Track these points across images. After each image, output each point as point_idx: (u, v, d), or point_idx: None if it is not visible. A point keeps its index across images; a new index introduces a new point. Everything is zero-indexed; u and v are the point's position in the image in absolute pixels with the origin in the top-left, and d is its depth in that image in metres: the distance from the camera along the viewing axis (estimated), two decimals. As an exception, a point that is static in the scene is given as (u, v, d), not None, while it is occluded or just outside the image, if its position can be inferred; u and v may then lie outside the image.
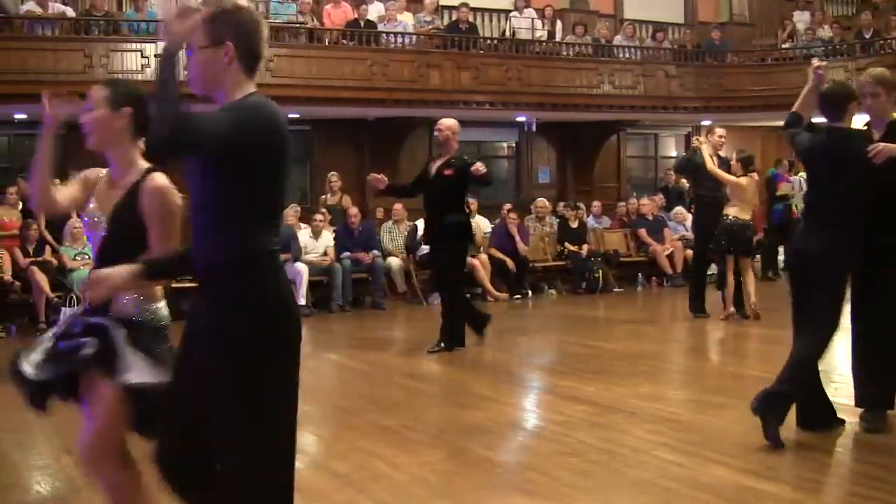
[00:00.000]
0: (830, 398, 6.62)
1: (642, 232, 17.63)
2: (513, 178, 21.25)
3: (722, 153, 12.80)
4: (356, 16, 17.36)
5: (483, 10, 20.06)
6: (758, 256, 16.78)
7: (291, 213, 15.47)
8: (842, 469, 5.85)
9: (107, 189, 4.07)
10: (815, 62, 6.92)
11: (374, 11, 17.81)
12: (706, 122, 21.09)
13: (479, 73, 17.64)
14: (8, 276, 12.57)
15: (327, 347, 11.16)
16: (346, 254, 14.75)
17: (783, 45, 21.14)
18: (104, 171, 4.14)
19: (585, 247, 16.86)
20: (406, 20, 17.81)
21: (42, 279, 12.40)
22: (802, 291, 6.44)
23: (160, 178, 3.94)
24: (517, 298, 15.69)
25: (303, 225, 15.34)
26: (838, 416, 6.51)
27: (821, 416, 6.43)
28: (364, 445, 6.40)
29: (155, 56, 13.81)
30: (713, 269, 13.54)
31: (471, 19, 18.75)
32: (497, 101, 18.00)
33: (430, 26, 18.19)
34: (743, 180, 12.01)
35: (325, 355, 10.63)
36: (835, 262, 6.29)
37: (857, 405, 6.65)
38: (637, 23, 21.25)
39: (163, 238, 3.87)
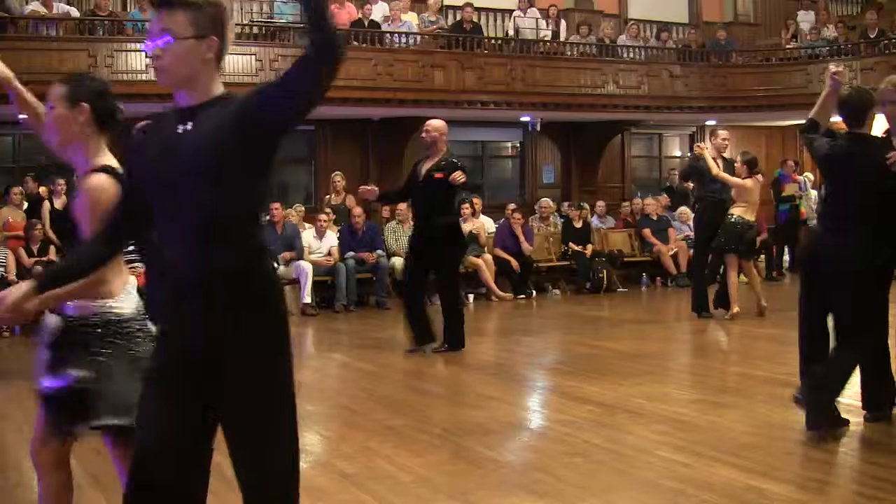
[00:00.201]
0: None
1: (647, 232, 17.62)
2: (517, 178, 21.26)
3: (726, 154, 12.77)
4: (360, 16, 17.37)
5: (487, 9, 20.07)
6: (761, 256, 16.75)
7: (294, 212, 15.52)
8: (847, 470, 5.84)
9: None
10: (832, 67, 6.88)
11: (378, 12, 17.82)
12: (711, 122, 21.11)
13: (483, 73, 17.65)
14: (12, 276, 12.58)
15: (332, 347, 11.18)
16: (351, 254, 14.75)
17: (788, 45, 21.12)
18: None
19: (590, 247, 16.86)
20: (410, 20, 17.81)
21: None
22: (817, 291, 6.44)
23: (96, 179, 3.81)
24: (521, 298, 15.70)
25: (307, 225, 15.38)
26: (843, 416, 6.49)
27: (828, 417, 6.42)
28: (369, 445, 6.40)
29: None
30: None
31: (475, 19, 18.77)
32: (501, 101, 18.02)
33: (435, 26, 18.19)
34: (748, 182, 12.02)
35: (330, 355, 10.65)
36: (857, 263, 6.28)
37: (864, 408, 6.64)
38: (641, 23, 21.24)
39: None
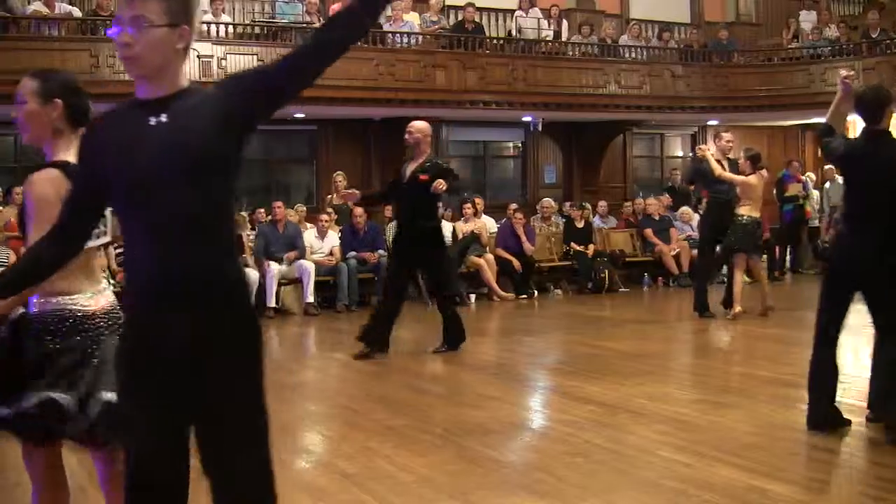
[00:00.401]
0: (837, 398, 6.59)
1: (648, 232, 17.61)
2: (519, 177, 21.27)
3: (731, 155, 12.74)
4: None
5: (489, 9, 20.06)
6: (764, 256, 16.76)
7: (295, 212, 15.52)
8: (850, 470, 5.83)
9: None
10: (843, 72, 6.87)
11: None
12: (712, 122, 21.15)
13: (484, 73, 17.65)
14: (14, 276, 12.54)
15: (333, 347, 11.16)
16: (352, 253, 14.75)
17: (789, 45, 21.11)
18: None
19: (591, 247, 16.85)
20: (412, 20, 17.81)
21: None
22: (838, 291, 6.44)
23: (41, 175, 3.71)
24: (523, 298, 15.69)
25: (308, 225, 15.38)
26: (844, 416, 6.48)
27: (830, 416, 6.41)
28: (370, 445, 6.39)
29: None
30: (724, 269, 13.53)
31: (476, 19, 18.77)
32: (503, 101, 18.02)
33: (436, 26, 18.19)
34: (752, 178, 12.03)
35: (331, 355, 10.64)
36: (870, 262, 6.29)
37: (868, 407, 6.63)
38: (643, 22, 21.26)
39: (34, 233, 3.57)
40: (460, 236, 15.87)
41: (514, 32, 19.33)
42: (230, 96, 2.99)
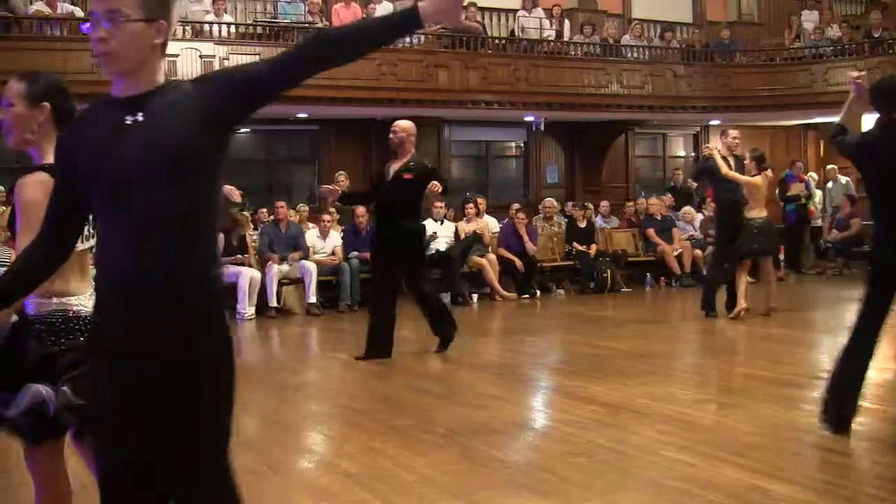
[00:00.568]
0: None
1: (650, 231, 17.61)
2: (521, 177, 21.26)
3: (737, 152, 12.75)
4: (364, 15, 17.36)
5: (491, 9, 20.04)
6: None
7: (296, 212, 15.53)
8: (854, 470, 5.82)
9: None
10: (854, 74, 6.85)
11: (382, 11, 17.80)
12: (715, 122, 21.15)
13: (487, 72, 17.65)
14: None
15: (335, 347, 11.16)
16: (355, 253, 14.75)
17: (791, 45, 21.09)
18: None
19: (594, 247, 16.87)
20: (415, 20, 17.77)
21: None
22: (881, 280, 6.42)
23: (30, 178, 3.69)
24: (525, 298, 15.70)
25: (311, 224, 15.39)
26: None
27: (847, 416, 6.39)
28: (373, 445, 6.38)
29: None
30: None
31: (479, 19, 18.75)
32: (505, 101, 18.02)
33: (438, 26, 18.15)
34: (758, 179, 12.05)
35: (334, 355, 10.63)
36: (888, 254, 6.30)
37: None
38: (645, 22, 21.27)
39: (23, 237, 3.56)
40: (462, 236, 15.87)
41: (517, 32, 19.31)
42: (208, 94, 2.91)
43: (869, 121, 6.69)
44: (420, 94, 17.09)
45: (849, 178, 20.33)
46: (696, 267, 17.33)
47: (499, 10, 20.32)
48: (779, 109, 20.11)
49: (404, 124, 10.11)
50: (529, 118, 19.56)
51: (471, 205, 16.43)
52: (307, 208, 16.12)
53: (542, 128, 19.84)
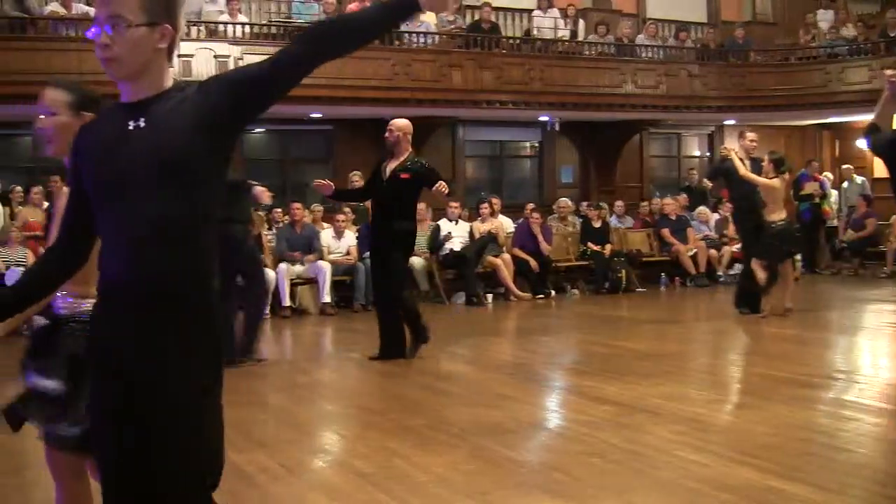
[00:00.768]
0: (855, 398, 6.57)
1: (665, 231, 17.59)
2: (535, 177, 21.23)
3: (755, 154, 12.75)
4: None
5: (505, 9, 20.03)
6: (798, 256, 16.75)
7: (310, 212, 15.54)
8: (868, 471, 5.80)
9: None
10: (889, 72, 6.83)
11: (397, 10, 17.80)
12: (729, 122, 21.13)
13: (501, 72, 17.63)
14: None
15: (350, 347, 11.17)
16: (369, 253, 14.74)
17: (806, 44, 21.04)
18: None
19: (608, 246, 16.85)
20: (428, 20, 17.79)
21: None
22: None
23: (66, 186, 3.61)
24: (540, 298, 15.69)
25: (325, 224, 15.39)
26: (861, 416, 6.46)
27: None
28: (387, 445, 6.39)
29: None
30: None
31: (493, 19, 18.75)
32: (519, 101, 17.99)
33: (453, 26, 18.18)
34: (775, 182, 12.04)
35: (348, 355, 10.65)
36: None
37: None
38: (660, 22, 21.23)
39: (49, 242, 3.52)
40: (477, 236, 15.87)
41: (533, 31, 19.30)
42: (209, 97, 2.90)
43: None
44: (434, 94, 17.07)
45: (864, 178, 20.29)
46: (710, 267, 17.31)
47: (513, 10, 20.31)
48: (794, 109, 20.05)
49: (401, 123, 10.01)
50: (544, 118, 19.54)
51: (485, 205, 16.43)
52: (321, 208, 16.11)
53: (557, 128, 19.83)
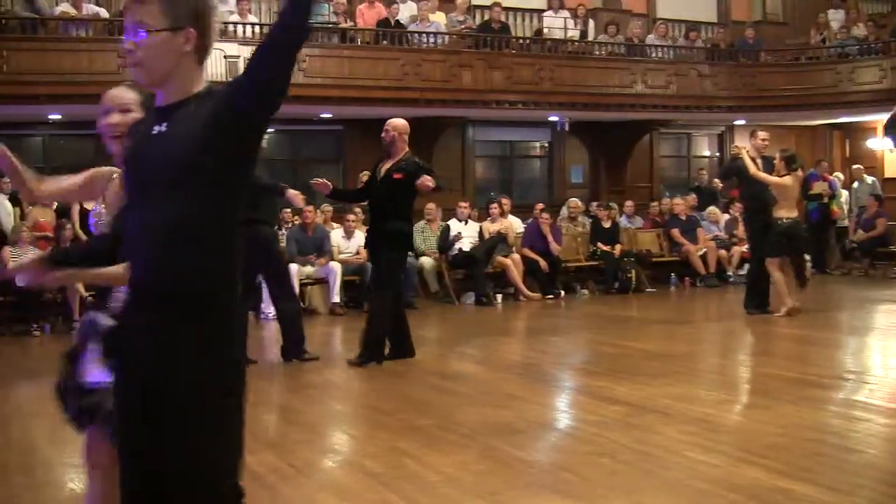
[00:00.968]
0: (865, 399, 6.56)
1: (675, 232, 17.55)
2: (545, 177, 21.23)
3: (766, 153, 12.74)
4: (388, 16, 17.40)
5: (515, 9, 20.02)
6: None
7: (321, 212, 15.56)
8: (878, 471, 5.79)
9: (120, 190, 4.02)
10: None
11: (406, 11, 17.83)
12: (739, 122, 21.09)
13: (511, 72, 17.63)
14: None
15: (359, 347, 11.16)
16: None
17: (817, 44, 21.00)
18: (117, 171, 4.06)
19: (618, 247, 16.83)
20: (438, 20, 17.82)
21: (76, 278, 12.48)
22: None
23: None
24: (549, 298, 15.68)
25: (335, 224, 15.41)
26: (872, 416, 6.46)
27: None
28: (396, 445, 6.40)
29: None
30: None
31: (503, 19, 18.74)
32: (529, 101, 18.00)
33: (463, 26, 18.19)
34: (787, 180, 12.03)
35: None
36: None
37: None
38: (670, 22, 21.20)
39: None
40: (487, 236, 15.88)
41: (543, 31, 19.29)
42: (222, 98, 2.91)
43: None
44: (444, 95, 17.09)
45: (875, 179, 20.25)
46: (720, 267, 17.28)
47: (523, 10, 20.30)
48: (804, 109, 20.01)
49: (397, 122, 9.99)
50: (554, 118, 19.52)
51: (495, 205, 16.42)
52: (331, 209, 16.13)
53: (567, 128, 19.80)
